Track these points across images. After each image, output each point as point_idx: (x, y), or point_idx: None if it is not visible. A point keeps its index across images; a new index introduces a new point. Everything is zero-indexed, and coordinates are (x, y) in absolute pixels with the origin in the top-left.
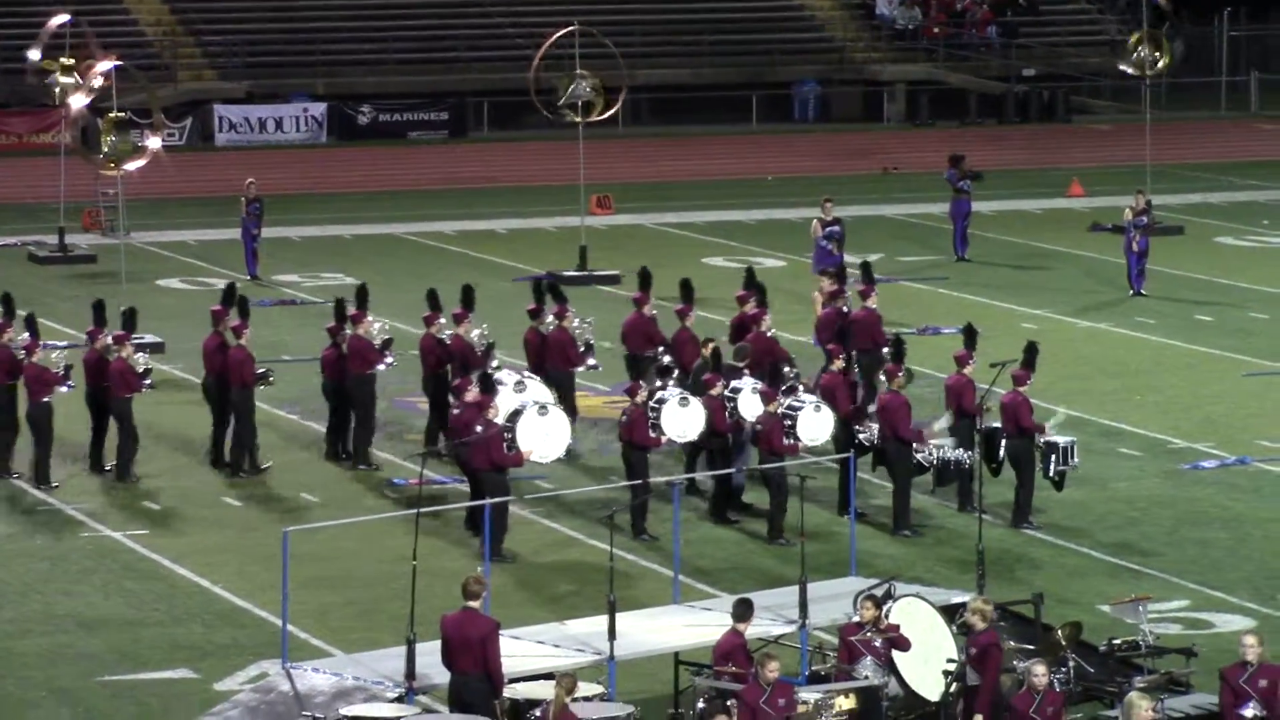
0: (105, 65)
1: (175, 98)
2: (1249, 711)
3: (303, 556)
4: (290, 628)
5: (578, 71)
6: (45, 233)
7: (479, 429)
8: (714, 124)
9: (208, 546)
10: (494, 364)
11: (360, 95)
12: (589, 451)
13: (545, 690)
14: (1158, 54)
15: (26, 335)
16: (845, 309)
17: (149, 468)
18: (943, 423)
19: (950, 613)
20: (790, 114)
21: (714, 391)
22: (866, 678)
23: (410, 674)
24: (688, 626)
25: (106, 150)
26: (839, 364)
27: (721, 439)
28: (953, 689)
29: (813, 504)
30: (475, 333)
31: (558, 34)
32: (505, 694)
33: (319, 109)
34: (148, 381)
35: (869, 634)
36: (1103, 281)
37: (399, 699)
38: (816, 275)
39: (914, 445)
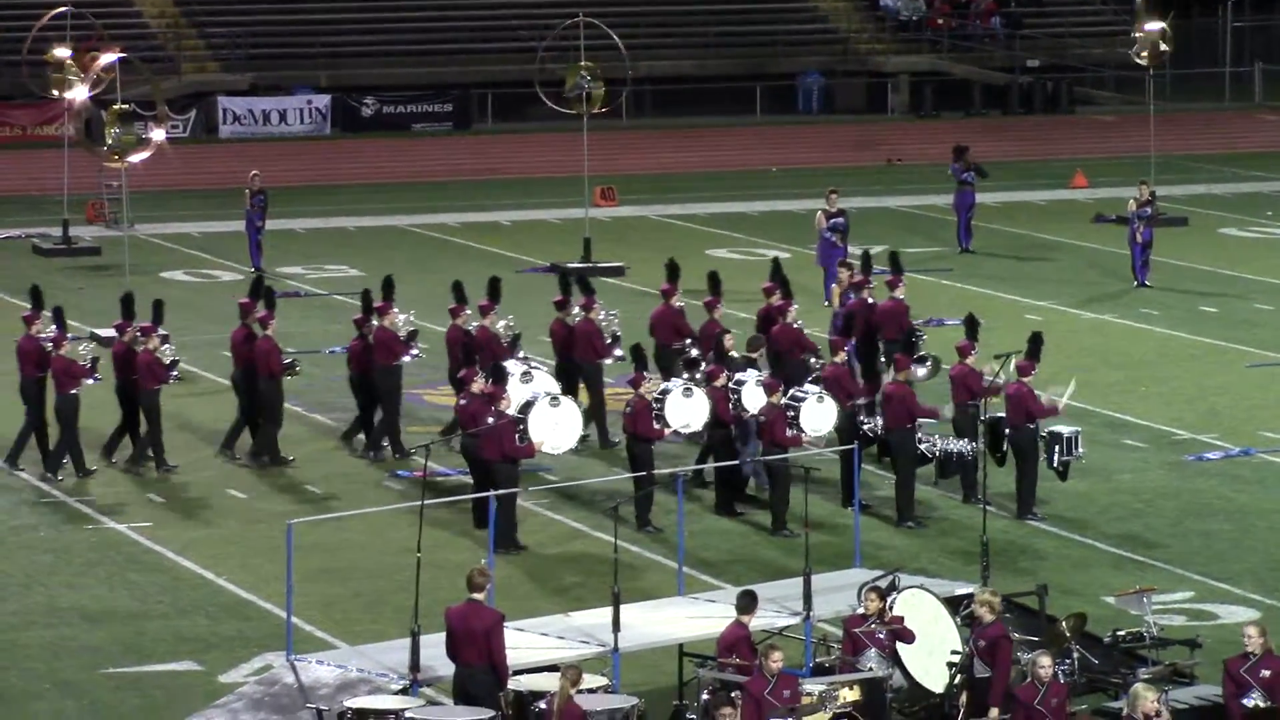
0: (109, 57)
1: (179, 90)
2: (1251, 701)
3: (307, 548)
4: (295, 620)
5: (582, 63)
6: (49, 225)
7: (490, 420)
8: (718, 115)
9: (212, 539)
10: (520, 355)
11: (364, 87)
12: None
13: (550, 682)
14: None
15: (54, 328)
16: (871, 299)
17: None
18: (945, 413)
19: (954, 604)
20: (794, 105)
21: (718, 383)
22: (871, 669)
23: (415, 666)
24: (692, 618)
25: (110, 142)
26: (842, 356)
27: (725, 430)
28: (957, 681)
29: (817, 495)
30: (501, 324)
31: (563, 26)
32: (510, 686)
33: (323, 101)
34: (175, 373)
35: (873, 626)
36: (1107, 273)
37: (403, 691)
38: (819, 266)
39: (919, 436)
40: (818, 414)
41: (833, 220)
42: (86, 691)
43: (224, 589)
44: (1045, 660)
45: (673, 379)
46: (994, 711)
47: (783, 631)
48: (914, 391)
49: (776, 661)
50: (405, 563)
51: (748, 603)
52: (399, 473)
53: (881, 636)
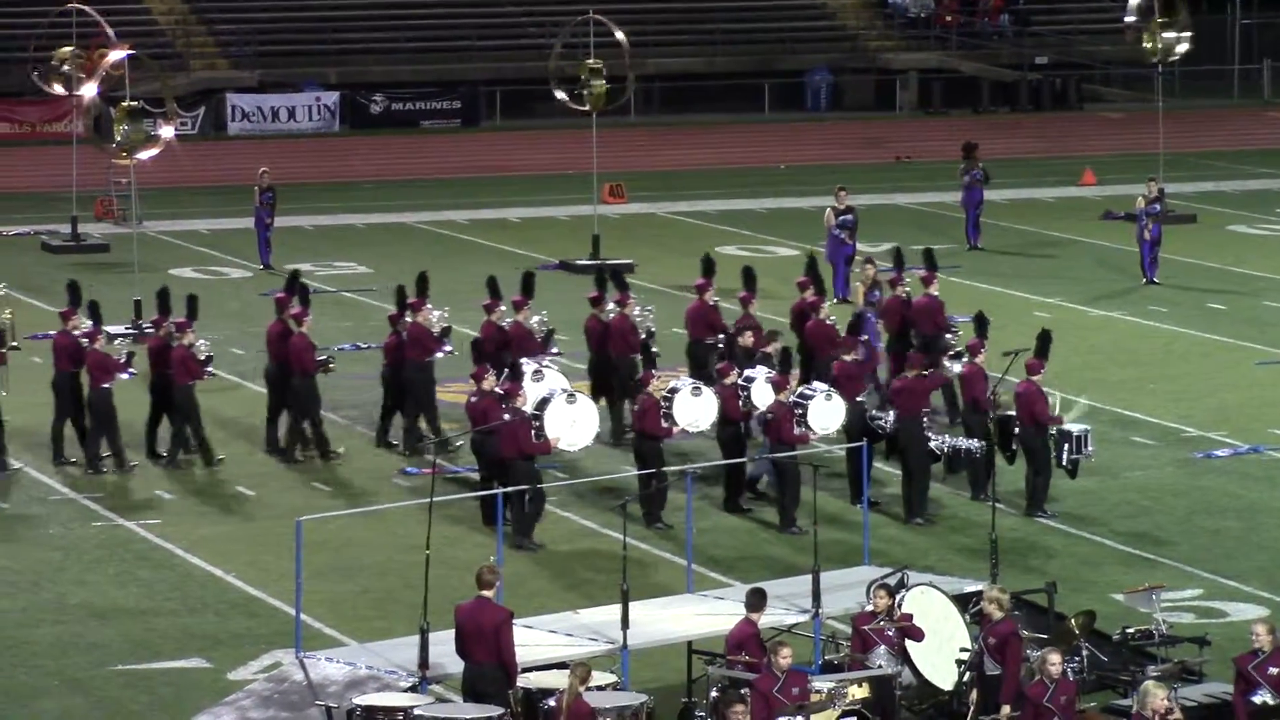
0: (118, 54)
1: (188, 87)
2: (1260, 699)
3: (316, 546)
4: (304, 617)
5: (590, 60)
6: (58, 222)
7: (506, 416)
8: (726, 113)
9: (221, 536)
10: (554, 350)
11: (372, 84)
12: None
13: (559, 679)
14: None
15: (89, 323)
16: (906, 295)
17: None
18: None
19: (963, 601)
20: (803, 103)
21: (727, 380)
22: (880, 667)
23: (423, 663)
24: (701, 616)
25: (119, 139)
26: (853, 355)
27: (734, 428)
28: (965, 678)
29: (825, 493)
30: (535, 319)
31: (574, 23)
32: (519, 683)
33: (331, 98)
34: (209, 368)
35: (882, 623)
36: (1115, 270)
37: (412, 688)
38: (827, 263)
39: (928, 433)
40: (826, 412)
41: (841, 217)
42: (95, 689)
43: (233, 586)
44: (1055, 658)
45: (682, 377)
46: (1005, 709)
47: (791, 629)
48: (924, 387)
49: (785, 657)
50: (414, 560)
51: (757, 600)
52: (407, 469)
53: (891, 634)
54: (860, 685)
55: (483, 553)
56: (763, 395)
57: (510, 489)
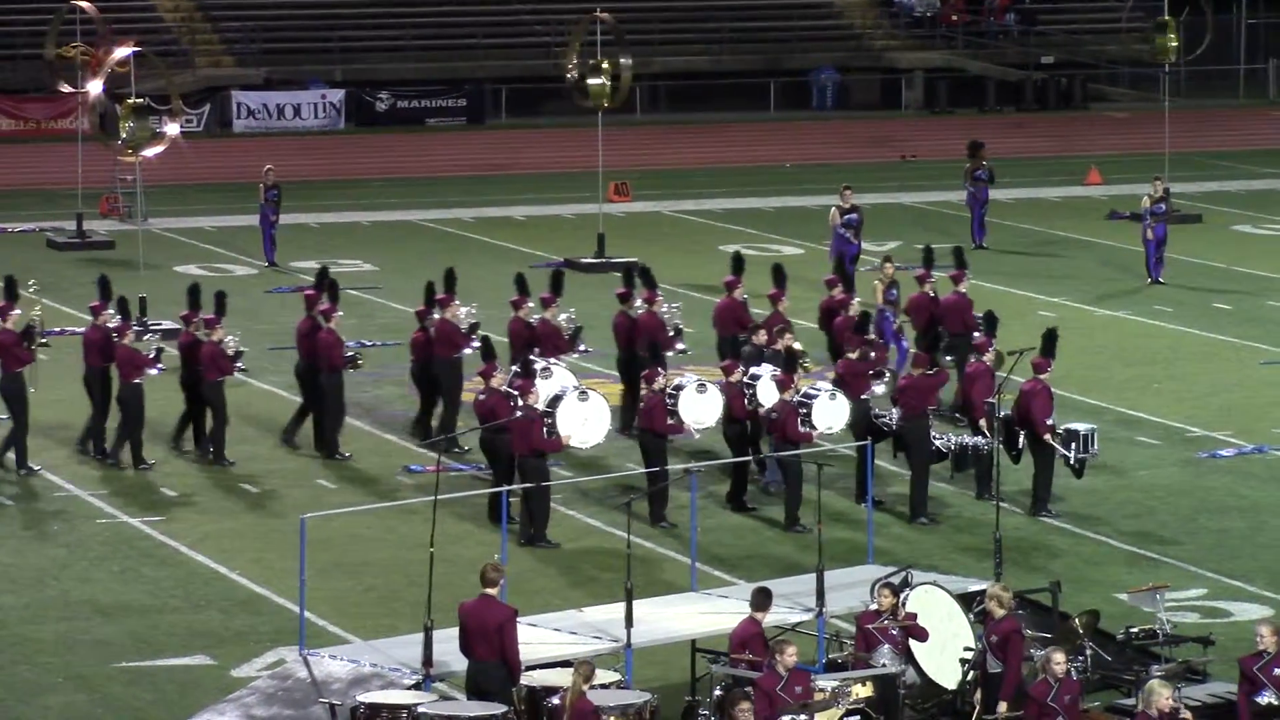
0: (123, 51)
1: (193, 84)
2: (1265, 700)
3: (320, 543)
4: (308, 614)
5: (598, 59)
6: (63, 218)
7: (519, 414)
8: (732, 111)
9: (225, 533)
10: (582, 348)
11: (378, 82)
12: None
13: (563, 677)
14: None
15: (118, 318)
16: (934, 293)
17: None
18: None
19: (967, 600)
20: (808, 101)
21: (733, 378)
22: (884, 666)
23: (427, 661)
24: (705, 614)
25: (125, 136)
26: (857, 353)
27: (739, 425)
28: (969, 677)
29: (830, 491)
30: (562, 316)
31: (586, 22)
32: (522, 681)
33: (337, 95)
34: (240, 364)
35: (886, 622)
36: (1120, 269)
37: (416, 686)
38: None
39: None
40: (830, 411)
41: (846, 216)
42: (99, 685)
43: (237, 583)
44: (1059, 657)
45: (686, 375)
46: (1003, 706)
47: (795, 627)
48: (929, 384)
49: (790, 654)
50: (418, 557)
51: (762, 600)
52: (411, 467)
53: (895, 633)
54: (864, 684)
55: (487, 550)
56: (768, 393)
57: (516, 486)
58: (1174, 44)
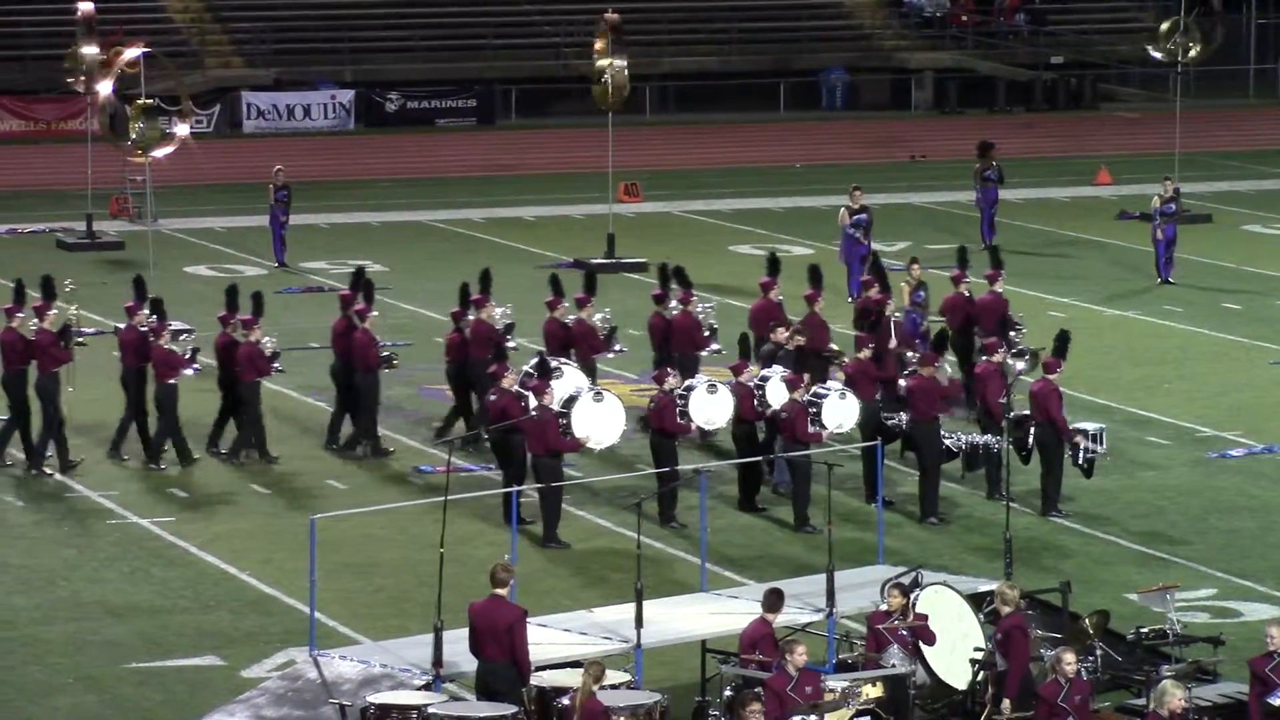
0: (133, 52)
1: (203, 85)
2: (1277, 700)
3: (330, 544)
4: (318, 615)
5: (611, 62)
6: (73, 219)
7: (532, 414)
8: (741, 112)
9: (235, 533)
10: (618, 348)
11: (388, 82)
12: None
13: (572, 678)
14: (1192, 43)
15: (154, 318)
16: (969, 294)
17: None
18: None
19: (977, 601)
20: (818, 102)
21: (743, 378)
22: (894, 666)
23: (437, 661)
24: (715, 614)
25: (134, 137)
26: (866, 353)
27: (749, 426)
28: (980, 677)
29: (840, 492)
30: (598, 317)
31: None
32: (532, 681)
33: (347, 96)
34: (276, 365)
35: (896, 622)
36: (1130, 269)
37: (426, 686)
38: (842, 263)
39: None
40: (840, 410)
41: (856, 216)
42: (109, 686)
43: (247, 584)
44: (1069, 657)
45: (698, 375)
46: (1006, 703)
47: (805, 628)
48: (938, 385)
49: (800, 654)
50: (428, 558)
51: (774, 601)
52: (421, 468)
53: (905, 633)
54: (874, 684)
55: (497, 551)
56: (778, 393)
57: (527, 486)
58: (1196, 48)
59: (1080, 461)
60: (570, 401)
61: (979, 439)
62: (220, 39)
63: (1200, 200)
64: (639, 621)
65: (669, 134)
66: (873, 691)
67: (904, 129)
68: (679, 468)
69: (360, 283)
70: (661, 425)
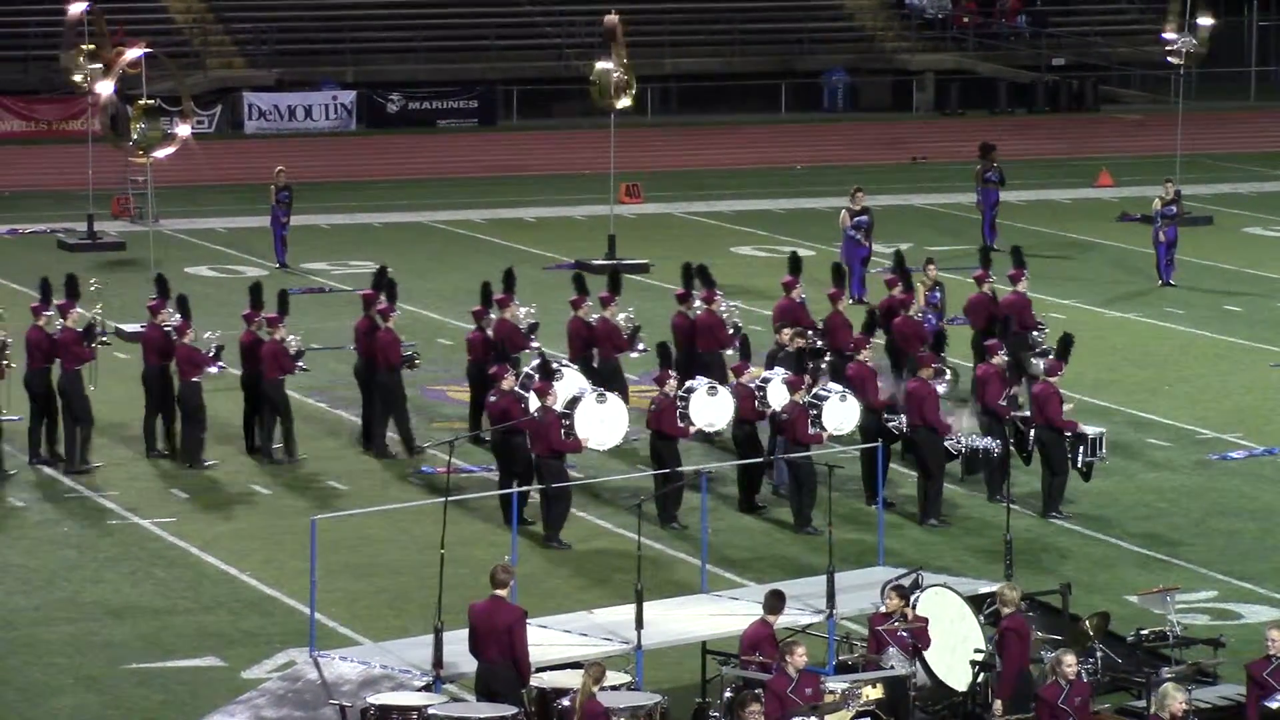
0: (134, 52)
1: (205, 85)
2: (1275, 704)
3: (331, 544)
4: (318, 616)
5: (610, 63)
6: (74, 219)
7: (533, 415)
8: (743, 113)
9: (236, 534)
10: (641, 347)
11: (390, 83)
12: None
13: (573, 679)
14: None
15: (178, 317)
16: (992, 294)
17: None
18: (968, 419)
19: (978, 602)
20: (819, 103)
21: (743, 380)
22: (893, 668)
23: (437, 662)
24: (715, 616)
25: (136, 137)
26: (866, 354)
27: (750, 427)
28: (980, 679)
29: (840, 493)
30: (621, 316)
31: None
32: (532, 683)
33: (348, 97)
34: (300, 363)
35: (895, 624)
36: (1131, 271)
37: (426, 687)
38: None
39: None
40: (840, 413)
41: (857, 218)
42: (109, 687)
43: (247, 585)
44: (1069, 659)
45: (698, 377)
46: (998, 704)
47: (806, 629)
48: (936, 393)
49: (800, 655)
50: (428, 559)
51: (775, 603)
52: (423, 468)
53: (904, 635)
54: (874, 686)
55: (498, 552)
56: (778, 395)
57: (528, 488)
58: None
59: (1080, 465)
60: (574, 402)
61: (979, 442)
62: (222, 39)
63: (1201, 202)
64: (639, 623)
65: (670, 135)
66: (873, 693)
67: (905, 130)
68: (682, 469)
69: (383, 282)
70: (661, 427)
